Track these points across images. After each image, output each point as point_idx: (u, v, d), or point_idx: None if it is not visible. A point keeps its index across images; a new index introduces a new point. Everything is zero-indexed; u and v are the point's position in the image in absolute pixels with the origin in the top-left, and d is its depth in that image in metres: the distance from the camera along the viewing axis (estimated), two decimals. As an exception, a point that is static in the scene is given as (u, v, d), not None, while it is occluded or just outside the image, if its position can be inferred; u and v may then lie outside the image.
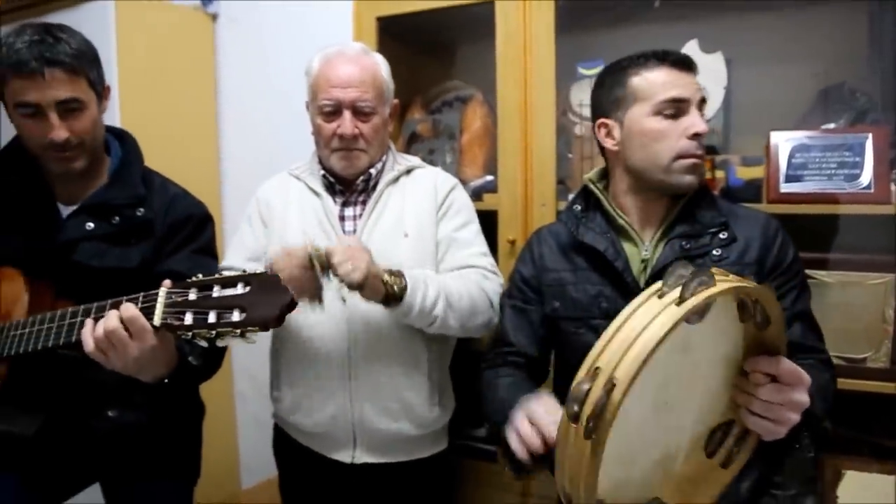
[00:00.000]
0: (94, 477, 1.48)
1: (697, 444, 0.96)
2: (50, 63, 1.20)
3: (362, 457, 1.44)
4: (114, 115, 2.07)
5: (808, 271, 1.49)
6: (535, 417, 1.01)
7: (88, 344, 1.07)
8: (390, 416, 1.41)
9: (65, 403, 1.31)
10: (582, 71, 1.73)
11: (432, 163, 1.93)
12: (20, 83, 1.21)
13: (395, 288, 1.26)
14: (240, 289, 1.02)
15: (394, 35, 1.89)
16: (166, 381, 1.19)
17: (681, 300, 0.75)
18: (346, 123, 1.38)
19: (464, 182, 1.86)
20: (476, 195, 1.78)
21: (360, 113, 1.39)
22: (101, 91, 1.33)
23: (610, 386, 0.73)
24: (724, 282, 0.79)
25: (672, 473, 0.94)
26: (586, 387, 0.75)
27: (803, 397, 0.90)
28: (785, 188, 1.44)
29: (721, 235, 1.17)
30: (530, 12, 1.61)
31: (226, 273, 1.06)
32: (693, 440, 0.95)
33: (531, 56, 1.62)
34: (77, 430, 1.33)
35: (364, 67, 1.40)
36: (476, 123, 1.90)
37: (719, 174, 1.53)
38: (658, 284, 0.80)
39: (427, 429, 1.46)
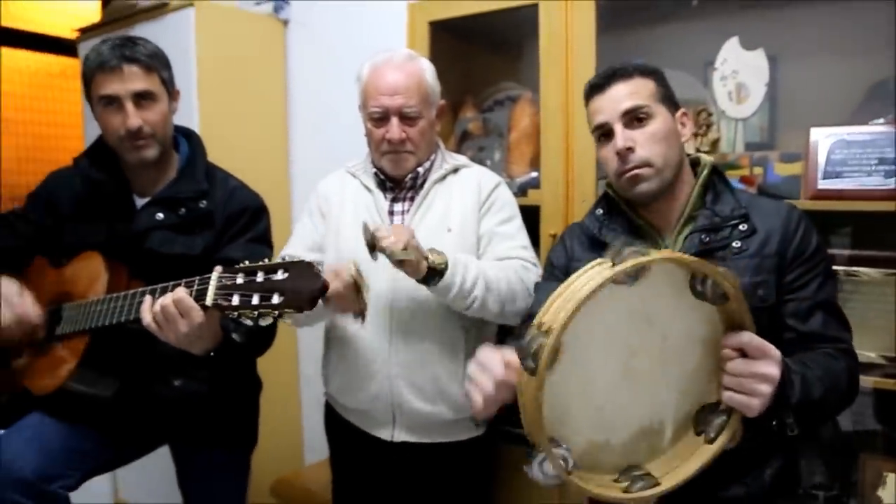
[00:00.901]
0: (163, 440, 1.66)
1: (685, 423, 1.03)
2: (128, 60, 1.41)
3: (401, 435, 1.53)
4: (192, 116, 2.26)
5: (848, 269, 1.49)
6: (484, 361, 1.07)
7: (146, 318, 1.23)
8: (426, 398, 1.50)
9: (137, 371, 1.48)
10: (622, 70, 1.75)
11: (482, 160, 2.01)
12: (103, 78, 1.42)
13: (437, 263, 1.33)
14: (280, 275, 1.14)
15: (446, 37, 1.97)
16: (212, 354, 1.33)
17: (612, 265, 0.89)
18: (394, 129, 1.47)
19: (511, 178, 1.93)
20: (521, 191, 1.85)
21: (406, 118, 1.47)
22: (172, 91, 1.51)
23: (546, 329, 0.88)
24: (661, 253, 0.92)
25: (660, 449, 1.03)
26: (530, 334, 0.89)
27: (771, 370, 0.96)
28: (823, 184, 1.43)
29: (741, 227, 1.19)
30: (572, 13, 1.65)
31: (267, 261, 1.18)
32: (679, 418, 1.03)
33: (573, 56, 1.66)
34: (147, 395, 1.50)
35: (410, 74, 1.48)
36: (524, 122, 1.95)
37: (757, 170, 1.53)
38: (600, 259, 0.93)
39: (463, 413, 1.53)
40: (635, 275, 0.91)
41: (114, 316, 1.34)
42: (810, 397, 1.04)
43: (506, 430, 1.82)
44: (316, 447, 2.65)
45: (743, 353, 0.97)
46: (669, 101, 1.25)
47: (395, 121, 1.47)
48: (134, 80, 1.42)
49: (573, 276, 0.92)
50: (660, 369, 0.99)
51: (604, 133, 1.23)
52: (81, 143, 2.71)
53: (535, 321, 0.90)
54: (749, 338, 0.97)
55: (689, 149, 1.66)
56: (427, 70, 1.53)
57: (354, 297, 1.30)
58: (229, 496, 1.71)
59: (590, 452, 0.99)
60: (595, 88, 1.24)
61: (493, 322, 1.54)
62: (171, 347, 1.32)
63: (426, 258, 1.33)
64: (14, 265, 1.55)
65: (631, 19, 1.77)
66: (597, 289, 0.86)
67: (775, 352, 0.98)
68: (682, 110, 1.27)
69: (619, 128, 1.20)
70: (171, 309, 1.21)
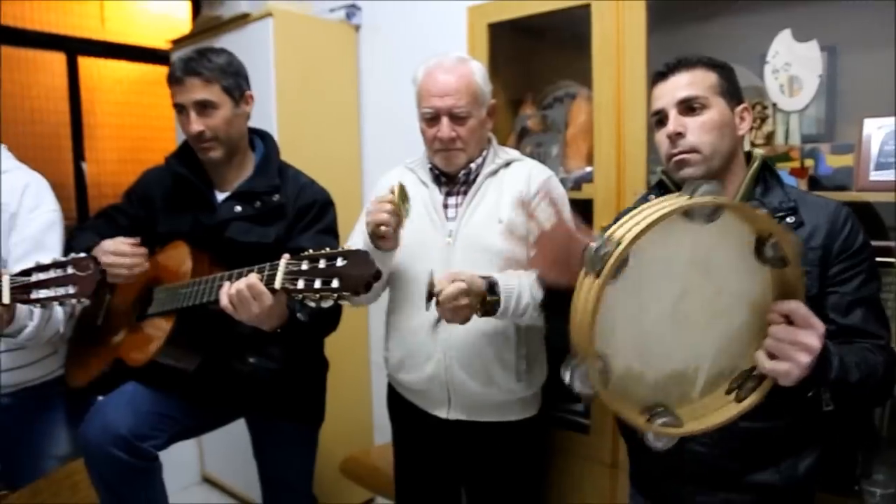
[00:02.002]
0: (240, 412, 1.82)
1: (718, 379, 1.06)
2: (190, 73, 1.58)
3: (456, 414, 1.62)
4: (271, 118, 2.43)
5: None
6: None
7: (223, 300, 1.38)
8: (478, 381, 1.58)
9: (217, 349, 1.64)
10: (673, 66, 1.78)
11: (540, 155, 2.08)
12: (173, 89, 1.62)
13: (489, 306, 1.43)
14: (339, 262, 1.26)
15: (506, 37, 2.04)
16: (279, 331, 1.47)
17: (689, 198, 0.93)
18: (444, 128, 1.56)
19: (567, 173, 1.99)
20: (577, 185, 1.90)
21: (456, 118, 1.56)
22: (239, 97, 1.66)
23: (617, 243, 0.91)
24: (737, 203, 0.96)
25: (690, 398, 1.06)
26: (598, 242, 0.93)
27: (813, 340, 0.98)
28: (874, 176, 1.43)
29: (788, 220, 1.22)
30: (623, 12, 1.69)
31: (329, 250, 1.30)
32: (713, 373, 1.06)
33: (624, 54, 1.70)
34: (226, 370, 1.65)
35: (460, 76, 1.56)
36: (581, 118, 2.01)
37: (809, 162, 1.53)
38: (678, 193, 0.97)
39: (514, 395, 1.61)
40: (707, 215, 0.94)
41: (197, 298, 1.50)
42: (847, 379, 1.06)
43: (558, 415, 1.90)
44: (384, 429, 2.77)
45: (789, 321, 1.00)
46: (730, 95, 1.28)
47: (445, 120, 1.56)
48: (194, 90, 1.59)
49: (649, 202, 0.96)
50: (705, 320, 1.02)
51: (660, 119, 1.29)
52: (174, 144, 2.92)
53: (606, 234, 0.94)
54: (797, 305, 0.99)
55: (745, 142, 1.69)
56: (477, 72, 1.60)
57: (398, 219, 1.42)
58: (299, 466, 1.86)
59: (623, 379, 1.02)
60: (659, 76, 1.31)
61: None
62: (247, 328, 1.47)
63: (481, 304, 1.42)
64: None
65: (682, 16, 1.79)
66: (670, 212, 0.91)
67: (820, 324, 1.00)
68: (743, 105, 1.30)
69: (673, 113, 1.26)
70: (245, 293, 1.35)
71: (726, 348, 1.05)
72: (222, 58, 1.63)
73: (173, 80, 1.60)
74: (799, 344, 0.98)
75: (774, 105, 1.66)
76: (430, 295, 1.37)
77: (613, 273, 0.91)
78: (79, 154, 3.11)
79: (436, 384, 1.61)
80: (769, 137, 1.69)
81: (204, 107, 1.60)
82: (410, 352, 1.63)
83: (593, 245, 0.92)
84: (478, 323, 1.55)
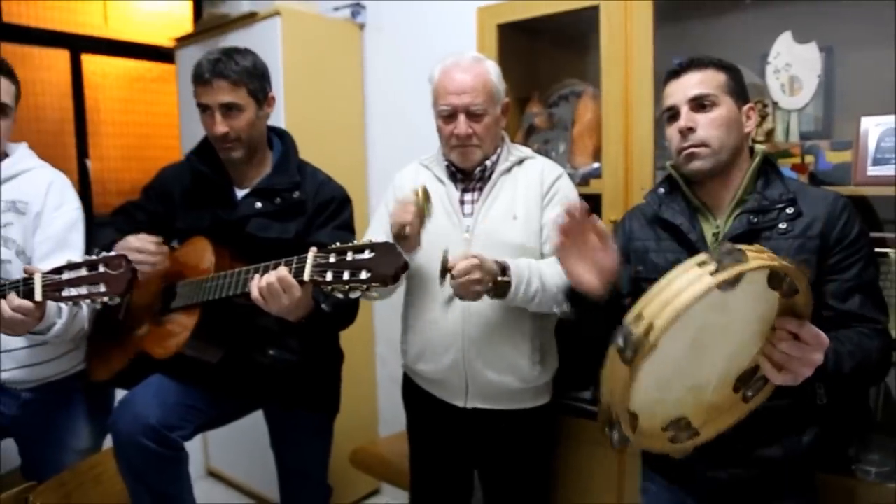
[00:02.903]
0: (260, 402, 1.86)
1: (727, 380, 1.13)
2: (218, 75, 1.61)
3: (474, 402, 1.67)
4: (279, 115, 2.46)
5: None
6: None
7: (253, 292, 1.42)
8: (496, 370, 1.63)
9: (239, 342, 1.68)
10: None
11: (547, 152, 2.13)
12: (199, 89, 1.64)
13: (500, 288, 1.49)
14: (367, 254, 1.31)
15: (514, 37, 2.10)
16: (304, 321, 1.52)
17: (715, 271, 0.93)
18: (461, 125, 1.61)
19: (574, 169, 2.05)
20: (584, 180, 1.96)
21: (472, 115, 1.61)
22: (263, 99, 1.69)
23: (648, 330, 0.93)
24: (757, 259, 0.95)
25: (702, 401, 1.13)
26: (631, 327, 0.94)
27: (818, 357, 1.05)
28: (872, 171, 1.50)
29: (788, 210, 1.29)
30: (631, 13, 1.75)
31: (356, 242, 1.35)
32: (723, 377, 1.12)
33: (632, 53, 1.76)
34: (247, 362, 1.69)
35: (476, 75, 1.61)
36: (587, 115, 2.06)
37: (809, 159, 1.60)
38: (702, 255, 0.97)
39: (529, 383, 1.67)
40: (734, 281, 0.93)
41: (223, 291, 1.54)
42: (842, 370, 1.15)
43: (567, 402, 1.95)
44: (389, 421, 2.85)
45: (795, 337, 1.05)
46: (738, 94, 1.36)
47: (462, 118, 1.60)
48: (222, 93, 1.62)
49: (674, 273, 0.97)
50: (720, 342, 1.08)
51: (672, 114, 1.36)
52: (178, 141, 2.97)
53: (635, 311, 0.96)
54: (808, 327, 1.05)
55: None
56: (492, 71, 1.65)
57: (420, 223, 1.46)
58: (315, 455, 1.92)
59: (650, 406, 1.09)
60: (672, 74, 1.38)
61: None
62: (268, 322, 1.53)
63: (494, 285, 1.48)
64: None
65: (687, 16, 1.86)
66: (698, 299, 0.91)
67: (826, 340, 1.06)
68: (749, 105, 1.38)
69: (684, 109, 1.33)
70: (275, 285, 1.40)
71: (734, 356, 1.11)
72: (248, 60, 1.66)
73: (200, 81, 1.62)
74: (805, 360, 1.05)
75: (775, 103, 1.72)
76: (444, 271, 1.42)
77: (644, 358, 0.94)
78: (83, 151, 3.12)
79: (454, 374, 1.66)
80: (769, 134, 1.76)
81: (229, 109, 1.63)
82: (430, 343, 1.68)
83: (623, 329, 0.94)
84: (495, 314, 1.61)
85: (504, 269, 1.50)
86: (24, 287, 1.44)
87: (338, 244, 1.36)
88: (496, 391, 1.66)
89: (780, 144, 1.67)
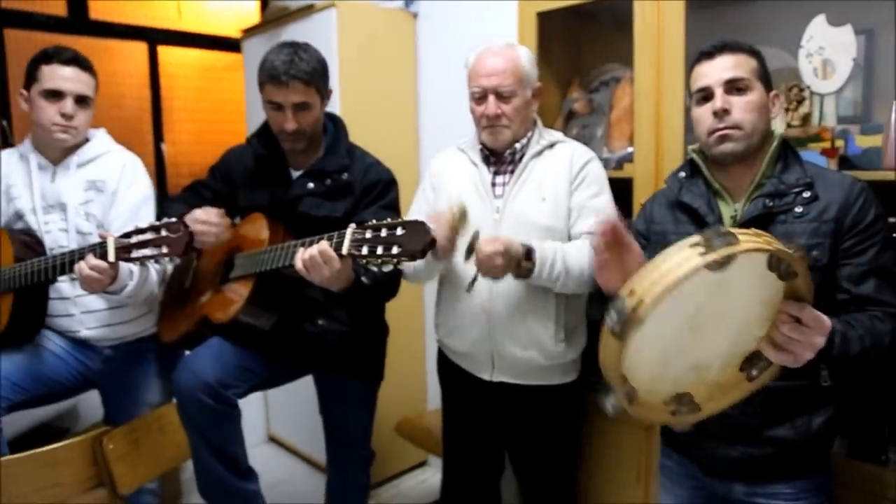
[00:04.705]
0: (308, 369, 2.02)
1: (732, 361, 1.18)
2: (293, 76, 1.73)
3: (499, 376, 1.76)
4: (335, 102, 2.56)
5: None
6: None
7: (298, 263, 1.56)
8: (520, 345, 1.71)
9: (290, 311, 1.83)
10: (711, 51, 1.87)
11: (585, 136, 2.19)
12: (272, 87, 1.76)
13: (524, 268, 1.58)
14: (399, 231, 1.43)
15: (554, 24, 2.16)
16: (345, 292, 1.65)
17: (705, 253, 0.98)
18: (490, 105, 1.70)
19: (611, 152, 2.11)
20: (619, 164, 2.02)
21: (501, 96, 1.69)
22: (325, 94, 1.83)
23: (638, 304, 0.98)
24: (749, 242, 1.00)
25: (706, 379, 1.18)
26: (622, 302, 1.00)
27: (819, 339, 1.10)
28: (904, 155, 1.50)
29: (804, 194, 1.31)
30: (663, 2, 1.79)
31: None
32: (727, 357, 1.17)
33: (664, 41, 1.80)
34: (297, 330, 1.84)
35: (506, 59, 1.70)
36: (624, 101, 2.11)
37: (839, 143, 1.61)
38: (696, 237, 1.00)
39: (554, 360, 1.73)
40: (724, 262, 0.98)
41: (273, 263, 1.69)
42: (848, 353, 1.17)
43: (595, 380, 2.02)
44: (437, 395, 2.96)
45: (797, 320, 1.09)
46: (766, 81, 1.38)
47: (491, 98, 1.69)
48: (296, 93, 1.74)
49: (668, 252, 1.01)
50: (721, 322, 1.12)
51: (704, 96, 1.38)
52: (243, 126, 3.15)
53: (628, 286, 1.00)
54: (808, 310, 1.09)
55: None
56: (523, 56, 1.73)
57: (453, 236, 1.55)
58: (359, 420, 2.06)
59: (650, 382, 1.15)
60: (704, 55, 1.39)
61: None
62: (317, 293, 1.67)
63: (520, 263, 1.56)
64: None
65: (720, 1, 1.87)
66: (686, 277, 0.96)
67: (827, 323, 1.11)
68: (774, 92, 1.40)
69: (719, 91, 1.35)
70: (317, 257, 1.53)
71: (738, 336, 1.15)
72: (315, 58, 1.78)
73: (276, 82, 1.73)
74: (807, 342, 1.10)
75: (809, 87, 1.73)
76: (470, 251, 1.52)
77: (633, 330, 0.99)
78: (158, 136, 3.38)
79: (480, 348, 1.75)
80: (805, 119, 1.76)
81: (301, 108, 1.76)
82: (458, 318, 1.78)
83: (615, 304, 1.00)
84: (520, 291, 1.69)
85: (529, 253, 1.57)
86: (100, 249, 1.64)
87: (374, 221, 1.48)
88: (521, 366, 1.73)
89: (811, 129, 1.69)
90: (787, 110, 1.78)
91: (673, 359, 1.14)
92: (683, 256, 0.99)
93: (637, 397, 1.14)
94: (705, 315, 1.10)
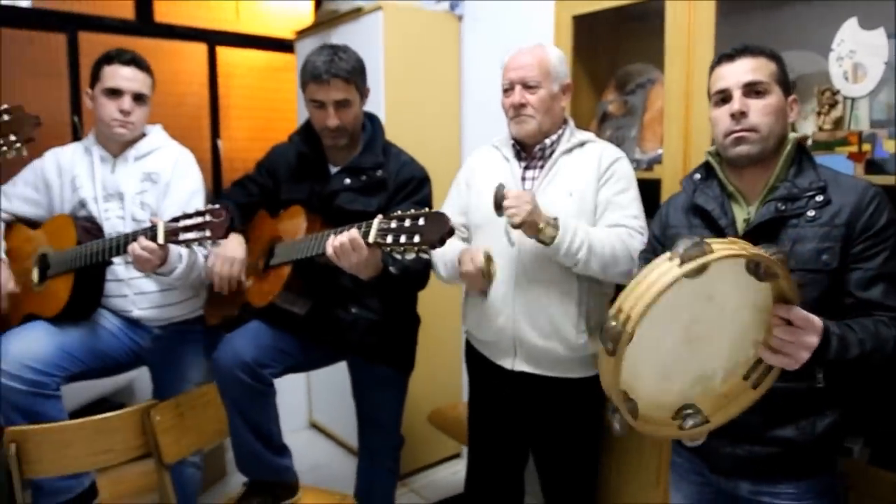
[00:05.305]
0: (342, 355, 2.12)
1: (735, 370, 1.21)
2: (334, 75, 1.83)
3: (520, 365, 1.82)
4: (379, 103, 2.69)
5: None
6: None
7: (328, 249, 1.66)
8: (542, 334, 1.77)
9: (325, 298, 1.93)
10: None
11: (619, 138, 2.23)
12: (314, 86, 1.87)
13: (548, 232, 1.63)
14: (420, 221, 1.52)
15: (591, 27, 2.21)
16: (374, 280, 1.74)
17: (681, 263, 1.03)
18: (516, 95, 1.78)
19: (643, 154, 2.14)
20: (649, 166, 2.05)
21: (526, 87, 1.77)
22: (364, 92, 1.94)
23: (626, 321, 1.03)
24: (723, 250, 1.04)
25: (712, 390, 1.22)
26: (611, 322, 1.05)
27: (812, 339, 1.13)
28: (931, 160, 1.49)
29: (817, 198, 1.32)
30: (695, 5, 1.81)
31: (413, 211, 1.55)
32: (731, 366, 1.20)
33: (694, 45, 1.82)
34: (331, 317, 1.94)
35: (534, 55, 1.78)
36: (657, 103, 2.14)
37: (866, 147, 1.61)
38: (669, 252, 1.06)
39: (576, 352, 1.78)
40: (700, 269, 1.02)
41: (309, 251, 1.80)
42: (845, 356, 1.18)
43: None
44: (471, 387, 3.03)
45: (788, 322, 1.13)
46: (785, 85, 1.40)
47: (517, 88, 1.78)
48: (337, 91, 1.85)
49: (649, 267, 1.06)
50: (716, 332, 1.16)
51: (723, 98, 1.40)
52: (295, 124, 3.26)
53: (616, 306, 1.05)
54: (796, 311, 1.12)
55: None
56: (552, 53, 1.81)
57: (481, 279, 1.68)
58: (389, 406, 2.15)
59: (654, 396, 1.18)
60: (725, 58, 1.41)
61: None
62: (350, 282, 1.76)
63: (540, 228, 1.62)
64: (247, 215, 2.10)
65: (751, 5, 1.88)
66: (666, 288, 1.01)
67: (818, 323, 1.13)
68: (792, 97, 1.41)
69: (738, 94, 1.37)
70: (346, 245, 1.63)
71: (737, 344, 1.18)
72: (353, 58, 1.89)
73: (318, 80, 1.83)
74: (799, 343, 1.13)
75: (840, 91, 1.73)
76: (499, 202, 1.60)
77: (625, 346, 1.04)
78: (215, 132, 3.55)
79: (503, 336, 1.81)
80: (837, 123, 1.76)
81: (342, 105, 1.87)
82: (484, 308, 1.84)
83: (606, 324, 1.05)
84: (545, 278, 1.74)
85: (555, 220, 1.64)
86: (151, 233, 1.77)
87: (399, 212, 1.57)
88: (542, 356, 1.79)
89: (840, 133, 1.69)
90: (818, 114, 1.78)
91: (675, 373, 1.18)
92: (662, 270, 1.04)
93: (640, 413, 1.17)
94: (701, 327, 1.15)
